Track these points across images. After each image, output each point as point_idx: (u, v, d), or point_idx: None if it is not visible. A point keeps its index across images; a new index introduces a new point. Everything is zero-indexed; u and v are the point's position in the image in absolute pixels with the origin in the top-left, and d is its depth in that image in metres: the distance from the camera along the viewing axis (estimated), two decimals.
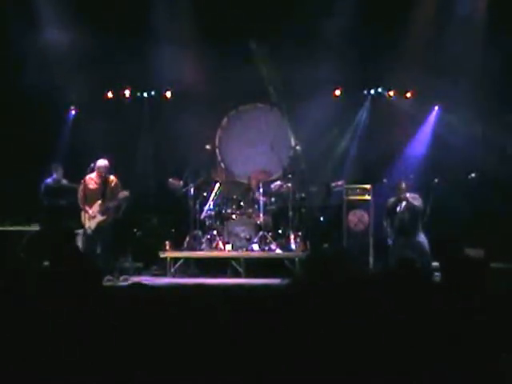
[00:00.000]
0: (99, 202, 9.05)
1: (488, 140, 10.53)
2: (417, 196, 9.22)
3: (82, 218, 9.04)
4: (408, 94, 11.21)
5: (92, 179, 9.14)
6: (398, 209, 9.20)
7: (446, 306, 3.39)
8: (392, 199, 9.42)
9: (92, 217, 8.99)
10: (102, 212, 9.03)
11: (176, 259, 9.77)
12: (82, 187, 9.12)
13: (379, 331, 3.16)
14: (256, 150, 11.40)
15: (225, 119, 11.81)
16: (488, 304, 3.43)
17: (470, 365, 3.07)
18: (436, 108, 11.19)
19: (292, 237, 9.97)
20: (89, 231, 8.98)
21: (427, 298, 3.53)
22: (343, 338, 3.13)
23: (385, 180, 10.00)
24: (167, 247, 9.97)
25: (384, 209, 9.53)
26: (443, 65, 10.45)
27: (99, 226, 8.97)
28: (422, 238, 9.09)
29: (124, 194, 9.11)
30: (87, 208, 9.03)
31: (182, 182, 10.36)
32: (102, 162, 9.17)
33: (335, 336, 3.15)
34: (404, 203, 9.14)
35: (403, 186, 9.27)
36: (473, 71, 10.30)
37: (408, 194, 9.18)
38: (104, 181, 9.14)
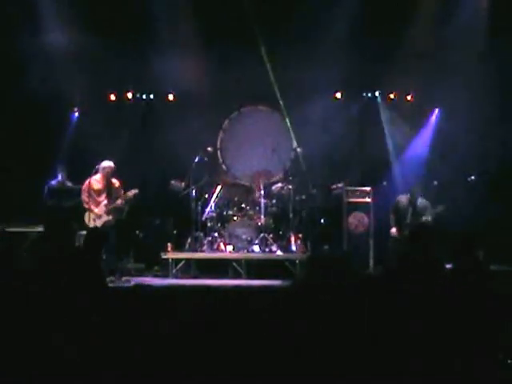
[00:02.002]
0: (105, 202, 9.13)
1: (488, 143, 10.58)
2: (428, 203, 9.25)
3: (86, 219, 9.11)
4: (409, 97, 11.27)
5: (97, 180, 9.20)
6: (408, 211, 9.17)
7: (448, 307, 3.44)
8: (404, 199, 9.33)
9: (98, 217, 9.07)
10: (108, 212, 9.11)
11: (178, 260, 9.80)
12: (86, 188, 9.18)
13: (379, 331, 3.21)
14: (257, 152, 11.45)
15: (226, 121, 11.87)
16: (487, 306, 3.49)
17: (470, 365, 3.13)
18: (436, 111, 11.26)
19: (292, 238, 10.02)
20: None
21: (429, 297, 3.57)
22: (344, 338, 3.18)
23: (385, 182, 10.05)
24: (169, 248, 10.03)
25: (392, 204, 9.45)
26: (444, 68, 10.49)
27: (104, 226, 9.04)
28: None
29: (133, 192, 9.20)
30: (93, 208, 9.12)
31: (183, 184, 10.39)
32: (108, 164, 9.22)
33: (336, 336, 3.19)
34: (419, 207, 9.13)
35: (418, 190, 9.26)
36: (473, 74, 10.33)
37: (423, 200, 9.20)
38: (109, 182, 9.22)
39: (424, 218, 9.05)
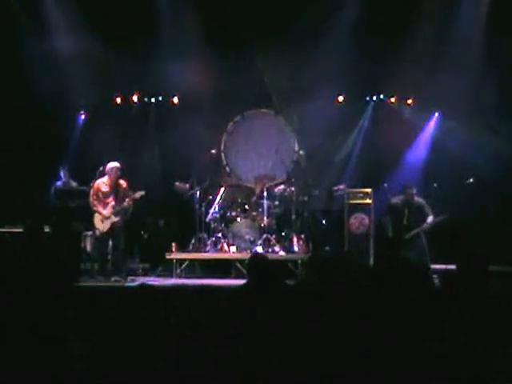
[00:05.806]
0: (112, 203, 9.20)
1: (486, 145, 10.68)
2: (424, 201, 9.37)
3: (95, 221, 9.16)
4: (409, 101, 11.37)
5: (104, 183, 9.20)
6: (406, 211, 9.27)
7: (446, 307, 3.47)
8: (398, 200, 9.42)
9: (106, 218, 9.15)
10: (116, 213, 9.20)
11: (182, 260, 9.88)
12: (93, 190, 9.20)
13: (379, 332, 3.29)
14: (260, 154, 11.57)
15: (230, 124, 11.96)
16: (486, 306, 3.52)
17: (467, 365, 3.19)
18: (436, 114, 11.38)
19: (295, 239, 10.08)
20: (98, 233, 9.15)
21: (426, 298, 3.62)
22: (344, 339, 3.26)
23: (385, 184, 10.15)
24: (173, 249, 10.07)
25: (386, 207, 9.58)
26: (444, 72, 10.55)
27: (112, 227, 9.14)
28: (423, 240, 9.28)
29: (139, 193, 9.28)
30: (100, 210, 9.21)
31: (188, 186, 10.46)
32: (114, 164, 9.22)
33: (337, 337, 3.27)
34: (414, 206, 9.23)
35: (414, 191, 9.37)
36: (473, 78, 10.42)
37: (417, 199, 9.30)
38: (116, 183, 9.24)
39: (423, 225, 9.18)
